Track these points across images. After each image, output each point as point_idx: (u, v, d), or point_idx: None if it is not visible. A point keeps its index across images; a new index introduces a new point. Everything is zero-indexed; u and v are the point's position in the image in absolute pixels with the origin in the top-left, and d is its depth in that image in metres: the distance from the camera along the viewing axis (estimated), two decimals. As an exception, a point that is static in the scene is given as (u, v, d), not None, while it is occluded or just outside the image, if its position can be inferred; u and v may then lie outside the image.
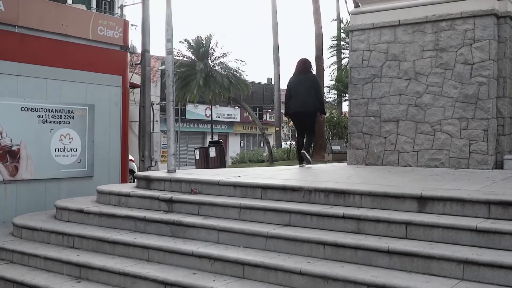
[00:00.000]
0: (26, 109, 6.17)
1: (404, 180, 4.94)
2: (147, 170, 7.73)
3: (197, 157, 17.25)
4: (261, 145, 30.32)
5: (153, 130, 9.46)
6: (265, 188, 4.30)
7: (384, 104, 6.50)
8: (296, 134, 7.24)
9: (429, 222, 3.32)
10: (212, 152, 16.51)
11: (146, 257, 3.86)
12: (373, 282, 2.89)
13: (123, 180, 7.29)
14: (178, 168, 5.98)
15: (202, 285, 3.26)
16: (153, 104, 10.16)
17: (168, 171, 5.39)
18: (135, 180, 5.50)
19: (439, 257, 2.98)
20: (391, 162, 6.41)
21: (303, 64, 6.41)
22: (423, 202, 3.59)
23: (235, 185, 4.48)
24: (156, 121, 17.35)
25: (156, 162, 8.29)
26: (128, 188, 5.19)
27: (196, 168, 15.51)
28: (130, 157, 9.71)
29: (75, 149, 6.65)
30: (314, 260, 3.32)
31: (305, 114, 6.21)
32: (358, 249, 3.25)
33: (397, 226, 3.41)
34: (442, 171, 5.61)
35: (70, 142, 6.60)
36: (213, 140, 22.34)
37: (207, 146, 19.02)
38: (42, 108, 6.33)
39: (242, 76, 23.45)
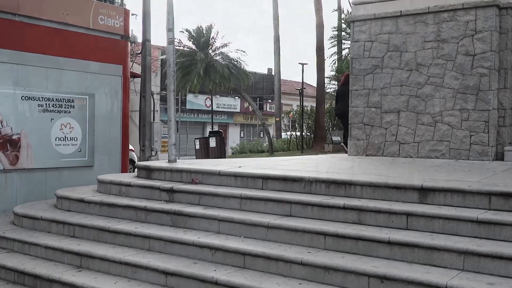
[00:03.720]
0: (26, 98, 6.12)
1: (405, 171, 4.90)
2: (147, 160, 7.70)
3: (197, 147, 17.23)
4: (261, 135, 30.25)
5: (153, 120, 9.42)
6: (266, 178, 4.28)
7: (385, 95, 6.45)
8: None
9: (430, 213, 3.30)
10: (212, 142, 16.49)
11: (147, 247, 3.85)
12: (374, 272, 2.88)
13: (124, 170, 7.27)
14: (178, 158, 5.93)
15: (203, 275, 3.25)
16: (153, 94, 10.07)
17: (169, 161, 5.36)
18: (136, 169, 5.48)
19: (440, 248, 2.96)
20: (392, 153, 6.38)
21: (347, 77, 7.34)
22: (424, 193, 3.56)
23: (235, 175, 4.45)
24: (157, 111, 17.32)
25: (156, 152, 8.25)
26: (129, 178, 5.16)
27: (196, 158, 15.49)
28: (131, 147, 9.69)
29: (75, 139, 6.62)
30: (315, 251, 3.30)
31: (345, 115, 7.10)
32: (358, 240, 3.23)
33: (398, 217, 3.39)
34: (443, 162, 5.59)
35: (70, 132, 6.56)
36: (213, 130, 22.30)
37: (207, 136, 18.99)
38: (42, 97, 6.28)
39: (242, 66, 23.30)
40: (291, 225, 3.56)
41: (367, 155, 6.55)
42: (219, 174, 4.53)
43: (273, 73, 29.13)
